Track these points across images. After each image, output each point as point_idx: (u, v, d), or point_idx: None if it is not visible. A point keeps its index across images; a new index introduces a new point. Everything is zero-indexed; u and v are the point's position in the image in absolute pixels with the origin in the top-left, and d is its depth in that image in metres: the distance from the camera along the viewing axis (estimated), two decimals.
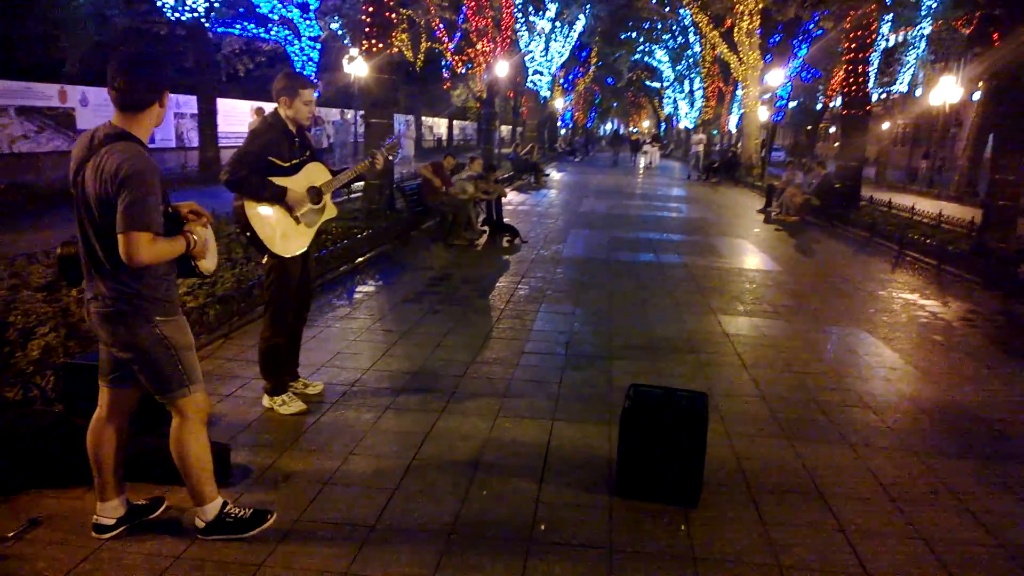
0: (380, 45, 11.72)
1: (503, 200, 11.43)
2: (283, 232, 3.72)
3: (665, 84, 50.22)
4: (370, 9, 11.69)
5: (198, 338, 5.09)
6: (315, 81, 3.63)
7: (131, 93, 2.47)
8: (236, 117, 24.33)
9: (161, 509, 2.99)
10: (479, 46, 20.61)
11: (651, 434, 3.25)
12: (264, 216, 3.65)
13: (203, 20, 16.88)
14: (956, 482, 3.60)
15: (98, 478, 2.79)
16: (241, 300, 5.70)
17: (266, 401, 4.08)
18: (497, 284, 7.61)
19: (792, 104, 43.87)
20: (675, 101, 49.29)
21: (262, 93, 27.14)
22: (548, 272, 8.32)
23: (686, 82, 42.46)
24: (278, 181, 3.66)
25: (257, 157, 3.62)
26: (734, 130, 35.30)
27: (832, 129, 50.51)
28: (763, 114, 27.54)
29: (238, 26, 19.89)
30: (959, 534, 3.13)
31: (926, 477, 3.65)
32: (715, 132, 40.24)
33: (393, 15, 12.06)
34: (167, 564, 2.64)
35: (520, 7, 27.53)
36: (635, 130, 75.49)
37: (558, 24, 32.15)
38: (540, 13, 29.84)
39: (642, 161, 34.10)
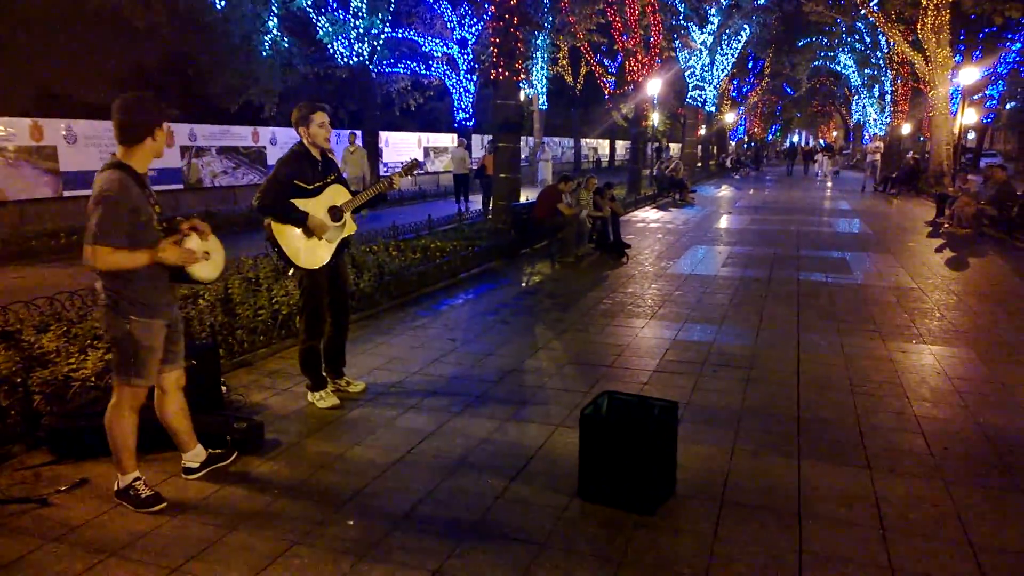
0: (506, 73, 12.37)
1: (620, 218, 11.45)
2: (306, 247, 4.23)
3: (852, 90, 46.66)
4: (495, 39, 12.40)
5: (284, 340, 5.83)
6: (324, 106, 4.19)
7: (123, 130, 3.03)
8: (407, 148, 26.47)
9: (232, 459, 3.67)
10: (626, 66, 20.70)
11: (610, 440, 3.29)
12: (289, 234, 4.18)
13: (367, 63, 18.68)
14: (969, 511, 3.21)
15: (175, 437, 3.48)
16: None
17: (308, 396, 4.61)
18: (582, 299, 7.73)
19: (1010, 104, 38.82)
20: (863, 108, 45.62)
21: (430, 125, 29.33)
22: (642, 288, 8.27)
23: (875, 87, 39.18)
24: (301, 204, 4.17)
25: (283, 183, 4.16)
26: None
27: None
28: (971, 116, 24.68)
29: (401, 65, 21.75)
30: (946, 568, 2.83)
31: (939, 504, 3.29)
32: (921, 139, 36.75)
33: (519, 45, 12.64)
34: (164, 521, 3.18)
35: (678, 22, 27.21)
36: (821, 141, 70.97)
37: (724, 35, 31.27)
38: (701, 28, 29.24)
39: (817, 171, 31.97)
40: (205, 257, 3.31)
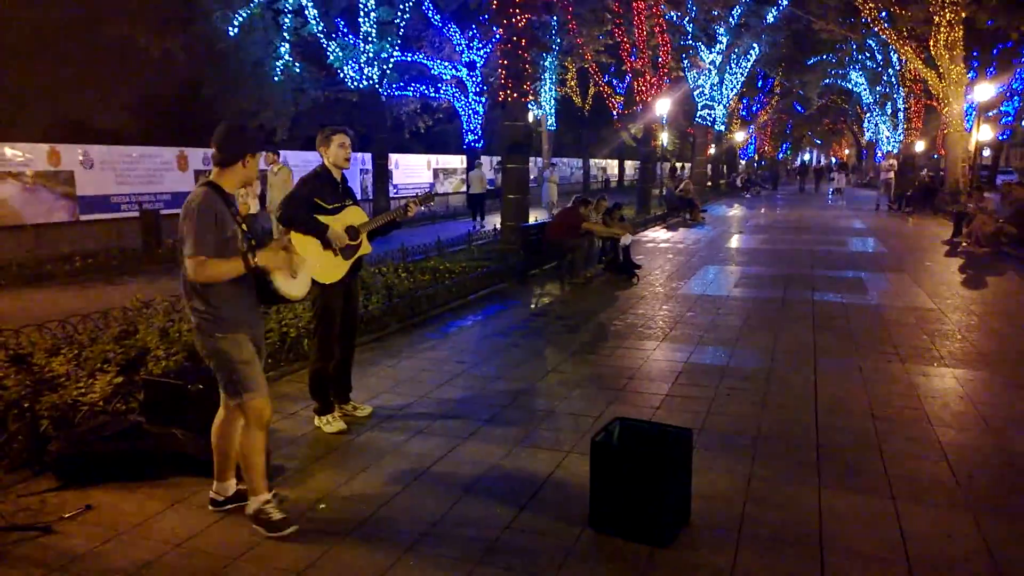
0: (515, 94, 12.40)
1: (630, 239, 11.37)
2: (322, 264, 4.26)
3: (864, 107, 46.61)
4: (504, 62, 12.46)
5: (292, 364, 5.77)
6: (347, 129, 4.38)
7: (219, 152, 3.21)
8: (417, 170, 26.54)
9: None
10: (635, 86, 20.75)
11: (622, 468, 3.19)
12: (306, 249, 4.16)
13: (377, 87, 18.83)
14: (997, 541, 3.07)
15: (217, 464, 3.42)
16: None
17: (315, 420, 4.54)
18: (592, 321, 7.64)
19: None
20: (876, 125, 45.54)
21: (439, 147, 29.46)
22: (652, 310, 8.17)
23: (888, 104, 39.13)
24: (322, 219, 4.24)
25: (303, 199, 4.25)
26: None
27: None
28: (986, 133, 24.64)
29: (411, 88, 21.93)
30: None
31: (966, 534, 3.16)
32: (935, 156, 36.80)
33: (527, 67, 12.68)
34: (167, 551, 3.10)
35: (687, 42, 27.34)
36: (833, 159, 71.01)
37: (733, 55, 31.33)
38: (710, 47, 29.35)
39: (830, 190, 31.86)
40: (292, 275, 3.36)
